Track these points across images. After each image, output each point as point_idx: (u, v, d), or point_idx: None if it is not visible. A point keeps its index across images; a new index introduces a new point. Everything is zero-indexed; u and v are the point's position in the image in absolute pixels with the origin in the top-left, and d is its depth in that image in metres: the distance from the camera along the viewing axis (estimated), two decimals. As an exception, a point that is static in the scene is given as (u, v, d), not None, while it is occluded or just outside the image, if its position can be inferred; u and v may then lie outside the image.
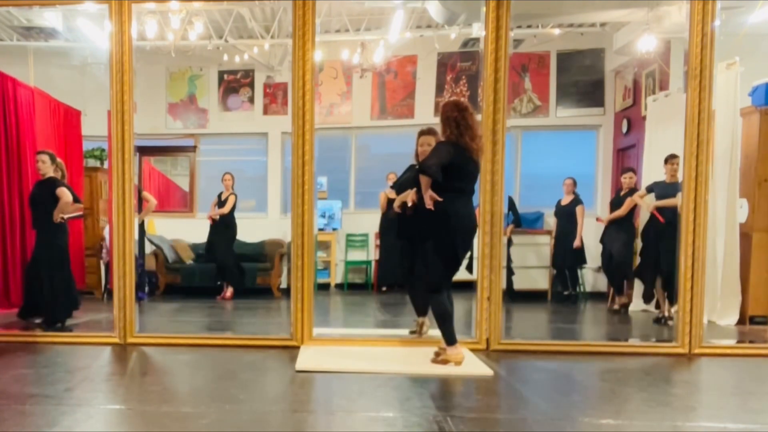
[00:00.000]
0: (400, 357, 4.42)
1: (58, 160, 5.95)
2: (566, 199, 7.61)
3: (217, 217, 8.09)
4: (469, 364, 4.26)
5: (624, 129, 8.44)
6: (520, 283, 7.75)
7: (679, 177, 5.79)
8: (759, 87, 6.03)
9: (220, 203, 8.14)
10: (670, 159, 6.09)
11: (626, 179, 6.94)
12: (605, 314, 7.05)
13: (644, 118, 7.63)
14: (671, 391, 3.78)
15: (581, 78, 8.82)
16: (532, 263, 8.17)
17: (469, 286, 5.01)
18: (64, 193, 5.61)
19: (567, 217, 7.57)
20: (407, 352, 4.60)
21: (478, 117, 4.80)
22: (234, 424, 3.02)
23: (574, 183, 7.60)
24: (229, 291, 8.11)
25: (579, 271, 7.93)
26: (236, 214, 8.31)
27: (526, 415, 3.23)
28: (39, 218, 5.68)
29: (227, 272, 8.17)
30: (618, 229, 6.96)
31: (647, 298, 6.56)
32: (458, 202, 4.06)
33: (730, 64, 5.90)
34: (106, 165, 8.27)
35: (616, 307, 7.06)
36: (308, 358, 4.40)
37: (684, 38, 4.66)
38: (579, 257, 7.60)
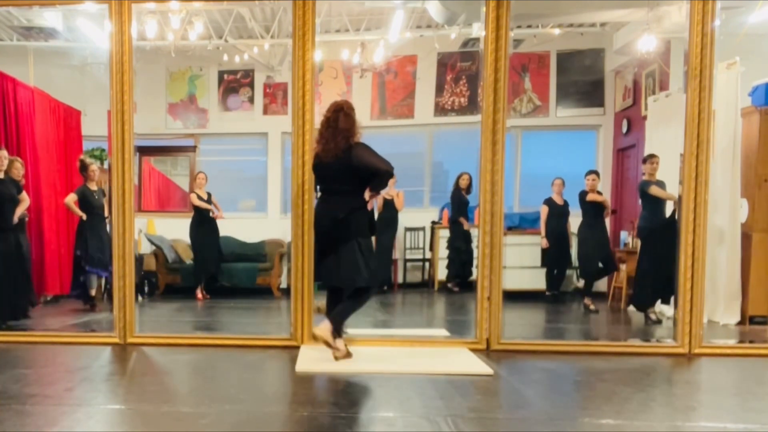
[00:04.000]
0: (400, 357, 4.42)
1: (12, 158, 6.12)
2: (559, 199, 7.55)
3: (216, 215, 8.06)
4: (469, 364, 4.26)
5: (624, 129, 8.43)
6: (519, 283, 7.72)
7: (658, 176, 6.16)
8: (759, 87, 6.04)
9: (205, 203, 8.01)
10: (649, 159, 6.26)
11: (589, 181, 6.99)
12: (604, 314, 7.05)
13: (644, 118, 7.63)
14: (671, 391, 3.79)
15: (581, 78, 8.82)
16: (532, 263, 8.14)
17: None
18: None
19: (564, 217, 7.55)
20: (407, 352, 4.60)
21: (478, 117, 4.82)
22: (234, 424, 3.02)
23: (563, 183, 7.58)
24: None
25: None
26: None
27: (526, 415, 3.24)
28: None
29: (216, 271, 8.11)
30: (590, 230, 6.98)
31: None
32: (318, 203, 4.58)
33: (730, 64, 5.90)
34: (106, 165, 8.26)
35: (592, 307, 6.99)
36: (308, 358, 4.39)
37: (684, 38, 4.65)
38: (569, 258, 7.62)
